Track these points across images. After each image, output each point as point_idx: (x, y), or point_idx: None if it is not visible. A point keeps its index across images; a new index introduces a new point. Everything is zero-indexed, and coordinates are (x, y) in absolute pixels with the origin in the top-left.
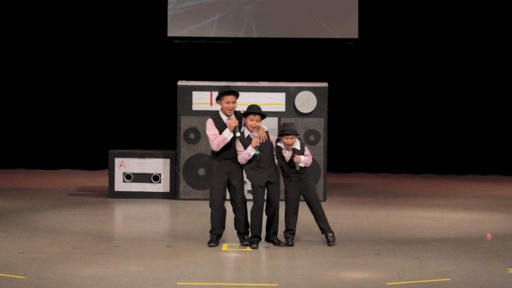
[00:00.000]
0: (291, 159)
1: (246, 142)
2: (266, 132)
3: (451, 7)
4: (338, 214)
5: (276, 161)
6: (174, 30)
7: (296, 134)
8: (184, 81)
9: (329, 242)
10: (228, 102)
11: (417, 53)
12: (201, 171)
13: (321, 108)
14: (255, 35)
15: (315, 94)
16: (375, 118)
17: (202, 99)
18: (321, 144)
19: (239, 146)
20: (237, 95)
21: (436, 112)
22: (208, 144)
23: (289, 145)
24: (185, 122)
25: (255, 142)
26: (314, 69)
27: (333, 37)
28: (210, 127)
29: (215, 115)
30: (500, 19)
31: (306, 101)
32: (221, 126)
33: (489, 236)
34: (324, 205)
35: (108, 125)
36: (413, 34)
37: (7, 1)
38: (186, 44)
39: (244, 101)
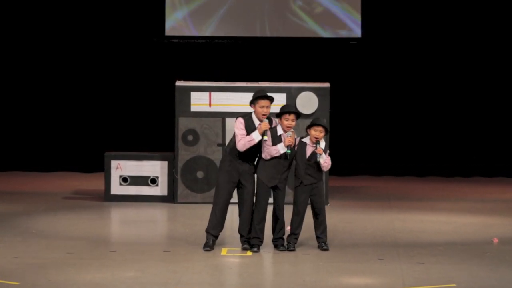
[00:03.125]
0: (312, 155)
1: (276, 140)
2: (295, 139)
3: (456, 5)
4: (340, 218)
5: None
6: (172, 28)
7: (326, 130)
8: (182, 81)
9: (322, 248)
10: (262, 107)
11: (421, 53)
12: (200, 174)
13: (323, 109)
14: (256, 34)
15: (317, 95)
16: (378, 119)
17: (201, 100)
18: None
19: (268, 141)
20: (272, 100)
21: (441, 113)
22: (207, 146)
23: (316, 138)
24: (183, 124)
25: (289, 140)
26: (315, 69)
27: (335, 36)
28: (240, 126)
29: (247, 116)
30: (507, 15)
31: (308, 102)
32: (250, 129)
33: (496, 240)
34: (326, 209)
35: (104, 126)
36: (418, 32)
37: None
38: (185, 43)
39: (244, 101)
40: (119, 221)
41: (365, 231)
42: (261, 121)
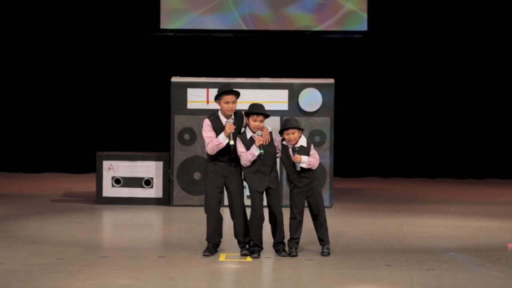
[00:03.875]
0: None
1: (248, 144)
2: (270, 133)
3: None
4: (346, 222)
5: (277, 166)
6: (168, 21)
7: (298, 128)
8: (178, 77)
9: (323, 253)
10: (227, 102)
11: (431, 47)
12: (197, 175)
13: (327, 107)
14: (256, 27)
15: (321, 91)
16: (385, 117)
17: (198, 97)
18: (327, 145)
19: (241, 147)
20: (237, 95)
21: (453, 111)
22: (204, 146)
23: (291, 141)
24: (179, 122)
25: (259, 140)
26: (319, 64)
27: (340, 30)
28: (207, 129)
29: (213, 115)
30: None
31: (311, 99)
32: (219, 128)
33: (510, 246)
34: (330, 212)
35: (96, 124)
36: (427, 25)
37: None
38: (181, 36)
39: (244, 99)
40: (111, 225)
41: (372, 236)
42: (228, 117)
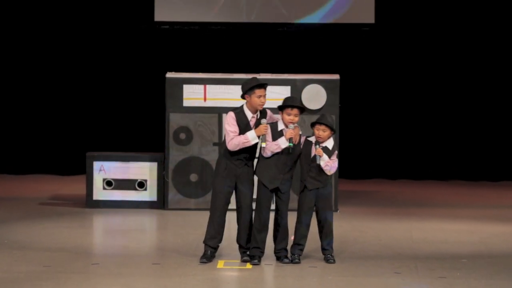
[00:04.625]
0: (314, 156)
1: (276, 136)
2: (300, 135)
3: None
4: (351, 226)
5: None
6: (162, 13)
7: (332, 128)
8: (173, 72)
9: (328, 261)
10: (259, 96)
11: (443, 40)
12: (193, 177)
13: (332, 104)
14: (256, 20)
15: (325, 88)
16: (394, 115)
17: (195, 94)
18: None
19: (268, 136)
20: (266, 87)
21: (467, 109)
22: (201, 146)
23: (319, 138)
24: (174, 120)
25: (290, 133)
26: (323, 59)
27: (346, 22)
28: (231, 122)
29: (238, 110)
30: None
31: (315, 96)
32: (244, 124)
33: None
34: (335, 216)
35: (86, 123)
36: (438, 18)
37: None
38: (176, 30)
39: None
40: (102, 230)
41: (380, 242)
42: (255, 112)
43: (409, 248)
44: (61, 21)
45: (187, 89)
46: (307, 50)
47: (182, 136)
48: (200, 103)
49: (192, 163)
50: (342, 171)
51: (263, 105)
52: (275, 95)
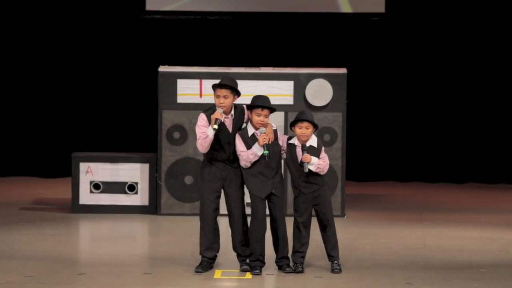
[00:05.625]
0: (301, 162)
1: (249, 142)
2: (275, 130)
3: None
4: (360, 233)
5: (282, 169)
6: (154, 2)
7: (313, 124)
8: (167, 66)
9: (334, 270)
10: (218, 96)
11: (460, 28)
12: (188, 179)
13: (338, 101)
14: (257, 9)
15: (331, 83)
16: (405, 113)
17: (190, 89)
18: (338, 145)
19: (241, 145)
20: (231, 89)
21: (483, 104)
22: (196, 146)
23: (302, 137)
24: (168, 118)
25: (263, 139)
26: (330, 51)
27: (353, 12)
28: (201, 124)
29: (209, 110)
30: None
31: (320, 92)
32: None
33: None
34: (342, 222)
35: (71, 121)
36: (453, 4)
37: None
38: (170, 20)
39: (243, 91)
40: (89, 237)
41: (390, 249)
42: (228, 113)
43: (422, 256)
44: (43, 11)
45: (182, 84)
46: (312, 42)
47: (176, 135)
48: (196, 99)
49: (187, 165)
50: (349, 173)
51: (221, 107)
52: (277, 90)
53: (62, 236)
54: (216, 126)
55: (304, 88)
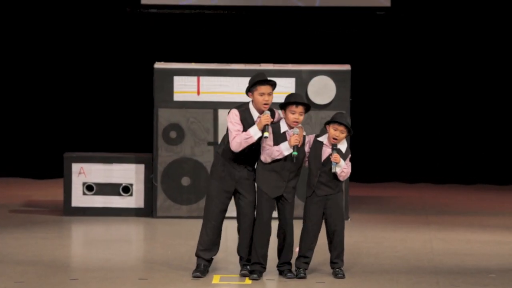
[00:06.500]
0: (327, 160)
1: (279, 139)
2: (304, 136)
3: None
4: (364, 236)
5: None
6: None
7: (349, 130)
8: (163, 62)
9: (337, 276)
10: (262, 94)
11: (469, 23)
12: (185, 181)
13: (342, 99)
14: (257, 3)
15: (334, 80)
16: (411, 111)
17: (187, 87)
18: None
19: (269, 140)
20: (274, 86)
21: (492, 103)
22: (194, 145)
23: (335, 138)
24: (164, 117)
25: (295, 140)
26: (333, 47)
27: (358, 6)
28: (235, 120)
29: (243, 107)
30: None
31: (323, 89)
32: (248, 124)
33: None
34: (346, 225)
35: (64, 120)
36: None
37: None
38: (166, 14)
39: (242, 89)
40: (82, 241)
41: (396, 254)
42: (261, 112)
43: (429, 261)
44: (32, 9)
45: (178, 81)
46: (314, 37)
47: (173, 134)
48: (193, 97)
49: (184, 165)
50: (354, 174)
51: (267, 104)
52: (278, 88)
53: (54, 240)
54: (267, 134)
55: (306, 85)
